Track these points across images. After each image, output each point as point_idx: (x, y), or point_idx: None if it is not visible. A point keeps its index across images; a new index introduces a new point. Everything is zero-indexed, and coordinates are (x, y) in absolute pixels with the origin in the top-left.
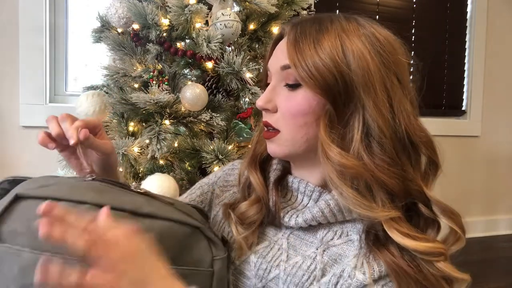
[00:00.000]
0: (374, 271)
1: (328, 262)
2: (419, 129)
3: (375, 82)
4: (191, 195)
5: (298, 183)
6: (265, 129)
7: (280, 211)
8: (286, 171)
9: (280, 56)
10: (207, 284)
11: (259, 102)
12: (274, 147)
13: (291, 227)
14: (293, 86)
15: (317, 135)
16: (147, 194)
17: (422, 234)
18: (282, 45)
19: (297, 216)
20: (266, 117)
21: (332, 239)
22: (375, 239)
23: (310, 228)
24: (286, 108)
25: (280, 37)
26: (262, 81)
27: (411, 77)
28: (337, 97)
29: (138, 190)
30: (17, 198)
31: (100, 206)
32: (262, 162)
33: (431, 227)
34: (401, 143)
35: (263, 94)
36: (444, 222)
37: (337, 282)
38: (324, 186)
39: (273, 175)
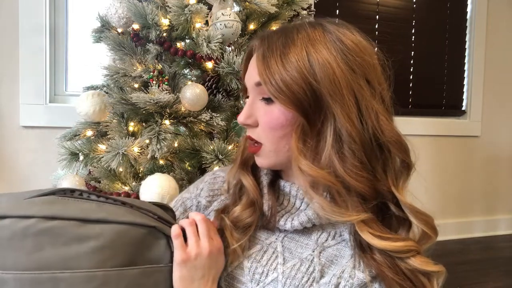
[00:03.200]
0: (370, 270)
1: (325, 263)
2: (389, 130)
3: (342, 89)
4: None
5: (290, 187)
6: (249, 143)
7: (276, 215)
8: (277, 175)
9: (252, 73)
10: (168, 277)
11: (240, 119)
12: (261, 160)
13: (286, 230)
14: (268, 101)
15: (291, 136)
16: (115, 200)
17: (393, 234)
18: (253, 61)
19: (292, 219)
20: (249, 132)
21: (326, 240)
22: (360, 244)
23: (304, 230)
24: (265, 122)
25: (251, 53)
26: (241, 93)
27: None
28: (308, 109)
29: (98, 198)
30: None
31: (48, 218)
32: (253, 166)
33: (402, 226)
34: (370, 146)
35: (243, 110)
36: (414, 223)
37: (339, 283)
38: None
39: (265, 179)
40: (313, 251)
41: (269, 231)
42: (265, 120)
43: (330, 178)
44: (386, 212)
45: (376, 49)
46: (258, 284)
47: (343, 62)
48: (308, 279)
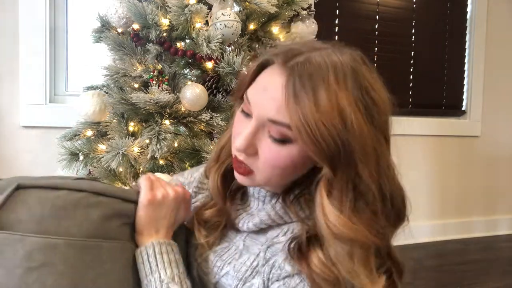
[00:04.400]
0: (301, 266)
1: (270, 257)
2: (397, 184)
3: (368, 148)
4: None
5: (253, 189)
6: (236, 162)
7: (236, 218)
8: None
9: (270, 105)
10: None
11: (240, 147)
12: (245, 181)
13: (246, 231)
14: (281, 142)
15: (292, 174)
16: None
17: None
18: (274, 90)
19: (248, 221)
20: (242, 157)
21: (277, 236)
22: (298, 249)
23: (263, 229)
24: (268, 159)
25: (264, 66)
26: (237, 94)
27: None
28: (337, 164)
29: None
30: (18, 188)
31: (96, 193)
32: (229, 170)
33: (382, 270)
34: (386, 202)
35: (244, 138)
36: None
37: (270, 271)
38: (279, 192)
39: (234, 184)
40: (262, 246)
41: (236, 230)
42: (268, 156)
43: (359, 234)
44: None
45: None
46: (215, 277)
47: (369, 119)
48: (252, 272)
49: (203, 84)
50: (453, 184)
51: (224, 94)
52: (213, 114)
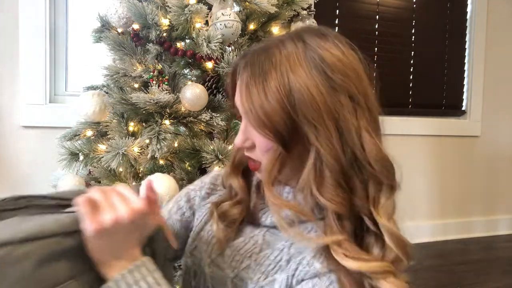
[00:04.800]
0: (331, 262)
1: (294, 254)
2: (372, 149)
3: (322, 114)
4: (178, 203)
5: (277, 187)
6: (249, 160)
7: (259, 212)
8: None
9: (239, 100)
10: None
11: (237, 143)
12: (261, 176)
13: (268, 226)
14: None
15: (302, 156)
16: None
17: (368, 255)
18: (239, 87)
19: (272, 216)
20: (247, 153)
21: (301, 233)
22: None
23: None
24: (260, 145)
25: (235, 71)
26: (229, 105)
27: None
28: (286, 139)
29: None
30: None
31: (21, 241)
32: (246, 168)
33: (375, 243)
34: (350, 168)
35: (238, 135)
36: (388, 244)
37: (297, 268)
38: (301, 189)
39: (255, 179)
40: (286, 242)
41: (255, 226)
42: (258, 143)
43: (302, 208)
44: (363, 228)
45: (361, 55)
46: (233, 271)
47: (324, 83)
48: (274, 266)
49: (203, 84)
50: (453, 184)
51: (224, 94)
52: (213, 114)
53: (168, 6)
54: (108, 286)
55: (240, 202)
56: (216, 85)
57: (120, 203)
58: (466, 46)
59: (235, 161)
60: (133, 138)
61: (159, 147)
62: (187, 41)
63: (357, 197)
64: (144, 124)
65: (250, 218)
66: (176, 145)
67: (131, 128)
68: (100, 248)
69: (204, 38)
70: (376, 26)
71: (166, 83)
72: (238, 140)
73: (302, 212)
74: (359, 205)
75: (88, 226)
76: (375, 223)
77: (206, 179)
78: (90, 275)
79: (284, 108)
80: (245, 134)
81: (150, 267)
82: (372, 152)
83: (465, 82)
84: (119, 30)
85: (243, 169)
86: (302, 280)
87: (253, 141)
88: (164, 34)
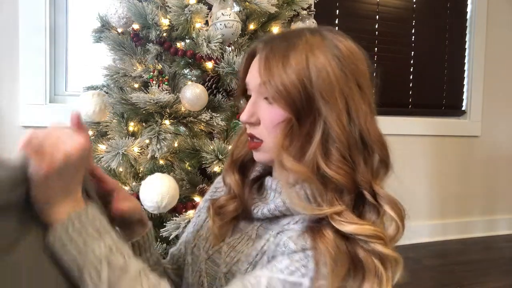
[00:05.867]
0: (307, 242)
1: (278, 243)
2: (374, 131)
3: (335, 92)
4: (200, 212)
5: (271, 182)
6: (249, 139)
7: (251, 206)
8: (266, 173)
9: (255, 74)
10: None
11: (243, 117)
12: (259, 155)
13: (261, 219)
14: (271, 100)
15: (292, 136)
16: None
17: (363, 220)
18: (256, 62)
19: (263, 208)
20: (250, 129)
21: (288, 224)
22: (314, 226)
23: (276, 218)
24: (268, 120)
25: (253, 54)
26: (237, 92)
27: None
28: (300, 110)
29: None
30: None
31: None
32: (243, 165)
33: (372, 212)
34: (355, 145)
35: (246, 109)
36: (387, 212)
37: (275, 249)
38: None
39: (252, 175)
40: (272, 231)
41: (249, 221)
42: (267, 117)
43: (309, 174)
44: (360, 201)
45: (365, 57)
46: (226, 266)
47: (338, 67)
48: (262, 257)
49: (203, 84)
50: (453, 184)
51: (224, 94)
52: (213, 114)
53: (168, 6)
54: (55, 233)
55: (234, 197)
56: (216, 85)
57: (63, 141)
58: (466, 46)
59: (233, 157)
60: (133, 138)
61: (159, 147)
62: (187, 41)
63: (359, 173)
64: (144, 124)
65: (246, 215)
66: (176, 145)
67: (131, 128)
68: (47, 190)
69: (204, 38)
70: (376, 26)
71: (166, 83)
72: (244, 115)
73: (311, 178)
74: (359, 180)
75: (38, 169)
76: (374, 197)
77: (214, 183)
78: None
79: (301, 80)
80: (253, 109)
81: (96, 212)
82: (376, 134)
83: (465, 82)
84: (119, 30)
85: (240, 165)
86: (277, 256)
87: (259, 117)
88: (164, 34)
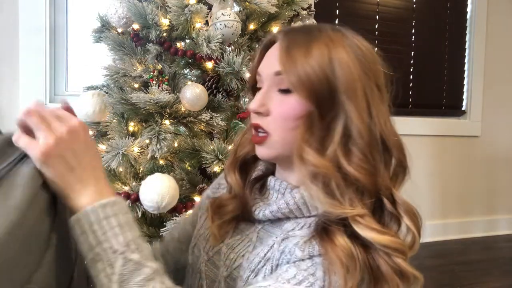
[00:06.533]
0: (314, 249)
1: (283, 250)
2: (393, 134)
3: (357, 90)
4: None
5: (275, 182)
6: (254, 132)
7: (252, 206)
8: (268, 172)
9: (273, 62)
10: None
11: (253, 106)
12: (264, 150)
13: (263, 221)
14: (286, 91)
15: (302, 130)
16: None
17: (386, 229)
18: (275, 51)
19: (265, 209)
20: (257, 120)
21: (293, 230)
22: (323, 230)
23: (279, 221)
24: (279, 112)
25: (269, 43)
26: (248, 84)
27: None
28: (322, 102)
29: None
30: None
31: None
32: (245, 164)
33: (393, 222)
34: (376, 145)
35: (256, 98)
36: (405, 222)
37: (280, 257)
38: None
39: (254, 175)
40: (276, 238)
41: (250, 222)
42: (279, 109)
43: (332, 169)
44: (379, 208)
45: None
46: (227, 269)
47: (360, 66)
48: (264, 264)
49: (203, 84)
50: (453, 184)
51: (224, 94)
52: (213, 114)
53: (168, 6)
54: (77, 217)
55: (234, 197)
56: (216, 85)
57: (55, 121)
58: (466, 46)
59: (235, 155)
60: (133, 138)
61: (159, 147)
62: (187, 41)
63: (379, 175)
64: (144, 124)
65: (247, 215)
66: (176, 145)
67: (131, 128)
68: (57, 173)
69: (204, 38)
70: (376, 26)
71: (166, 83)
72: (254, 103)
73: (334, 174)
74: (380, 184)
75: (35, 153)
76: (393, 204)
77: (217, 179)
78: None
79: (324, 72)
80: (263, 99)
81: (123, 206)
82: (394, 137)
83: (465, 82)
84: (119, 30)
85: (242, 164)
86: (283, 264)
87: (269, 108)
88: (164, 34)
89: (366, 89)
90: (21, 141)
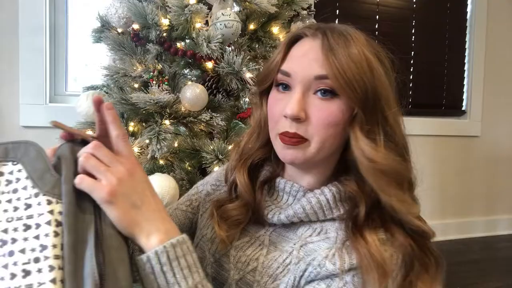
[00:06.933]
0: (345, 262)
1: (303, 257)
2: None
3: (389, 96)
4: (189, 195)
5: (285, 184)
6: (285, 138)
7: (264, 209)
8: (275, 173)
9: (312, 65)
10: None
11: (292, 111)
12: (296, 154)
13: (274, 225)
14: (328, 96)
15: (341, 145)
16: None
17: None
18: (312, 53)
19: (279, 213)
20: (292, 127)
21: (310, 236)
22: (353, 225)
23: (292, 225)
24: (320, 118)
25: (294, 40)
26: (266, 82)
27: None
28: (367, 106)
29: None
30: None
31: None
32: (253, 165)
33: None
34: (406, 154)
35: (295, 102)
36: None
37: (306, 269)
38: (311, 189)
39: (262, 176)
40: (294, 244)
41: (260, 225)
42: (320, 115)
43: (403, 167)
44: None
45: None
46: (239, 273)
47: (384, 73)
48: (283, 270)
49: (203, 84)
50: (453, 184)
51: (224, 94)
52: (213, 114)
53: (168, 6)
54: (147, 256)
55: (244, 205)
56: (216, 85)
57: (113, 162)
58: (466, 46)
59: (243, 156)
60: (133, 138)
61: (159, 147)
62: (187, 41)
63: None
64: (144, 124)
65: (254, 216)
66: (176, 145)
67: (131, 128)
68: (123, 211)
69: (204, 38)
70: (376, 26)
71: (166, 83)
72: (294, 108)
73: (406, 170)
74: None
75: (101, 193)
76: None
77: (213, 174)
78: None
79: (367, 75)
80: (301, 104)
81: (190, 246)
82: (408, 148)
83: (465, 82)
84: (119, 30)
85: (250, 165)
86: (313, 281)
87: (308, 112)
88: (164, 34)
89: (392, 95)
90: (84, 183)
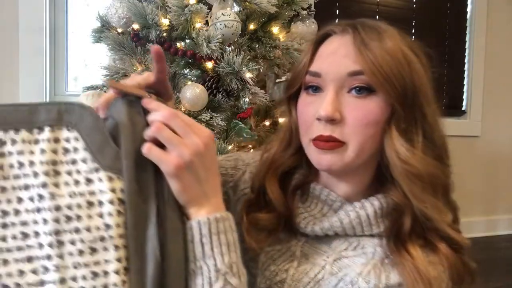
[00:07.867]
0: (381, 282)
1: (336, 272)
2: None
3: (428, 91)
4: (225, 161)
5: (320, 191)
6: (319, 142)
7: (296, 217)
8: (308, 179)
9: (345, 61)
10: None
11: (327, 112)
12: (333, 159)
13: (306, 235)
14: (364, 93)
15: (379, 148)
16: None
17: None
18: (344, 48)
19: (314, 224)
20: (327, 130)
21: (346, 249)
22: (396, 238)
23: (326, 237)
24: (357, 118)
25: (322, 39)
26: (293, 86)
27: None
28: (407, 103)
29: None
30: None
31: None
32: (284, 172)
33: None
34: (444, 151)
35: (329, 102)
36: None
37: (337, 285)
38: (348, 199)
39: (295, 181)
40: (328, 257)
41: (291, 233)
42: (357, 115)
43: (439, 171)
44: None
45: None
46: (265, 282)
47: (423, 69)
48: (314, 285)
49: (203, 84)
50: (453, 184)
51: (224, 94)
52: (213, 114)
53: (168, 6)
54: (190, 225)
55: (277, 217)
56: (216, 85)
57: (188, 134)
58: (466, 46)
59: (273, 163)
60: None
61: None
62: (187, 41)
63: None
64: None
65: (287, 225)
66: None
67: None
68: (186, 186)
69: (204, 38)
70: None
71: None
72: (328, 109)
73: (442, 175)
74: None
75: (168, 166)
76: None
77: (227, 165)
78: None
79: (405, 70)
80: (335, 104)
81: (232, 225)
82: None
83: (465, 82)
84: (119, 30)
85: (282, 173)
86: None
87: (343, 113)
88: (164, 34)
89: (430, 89)
90: (152, 154)
